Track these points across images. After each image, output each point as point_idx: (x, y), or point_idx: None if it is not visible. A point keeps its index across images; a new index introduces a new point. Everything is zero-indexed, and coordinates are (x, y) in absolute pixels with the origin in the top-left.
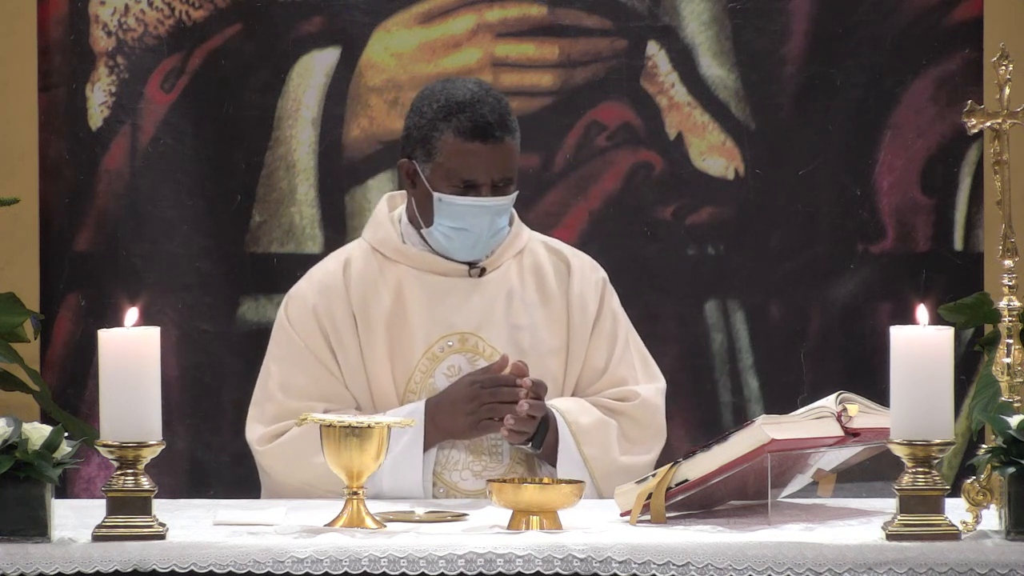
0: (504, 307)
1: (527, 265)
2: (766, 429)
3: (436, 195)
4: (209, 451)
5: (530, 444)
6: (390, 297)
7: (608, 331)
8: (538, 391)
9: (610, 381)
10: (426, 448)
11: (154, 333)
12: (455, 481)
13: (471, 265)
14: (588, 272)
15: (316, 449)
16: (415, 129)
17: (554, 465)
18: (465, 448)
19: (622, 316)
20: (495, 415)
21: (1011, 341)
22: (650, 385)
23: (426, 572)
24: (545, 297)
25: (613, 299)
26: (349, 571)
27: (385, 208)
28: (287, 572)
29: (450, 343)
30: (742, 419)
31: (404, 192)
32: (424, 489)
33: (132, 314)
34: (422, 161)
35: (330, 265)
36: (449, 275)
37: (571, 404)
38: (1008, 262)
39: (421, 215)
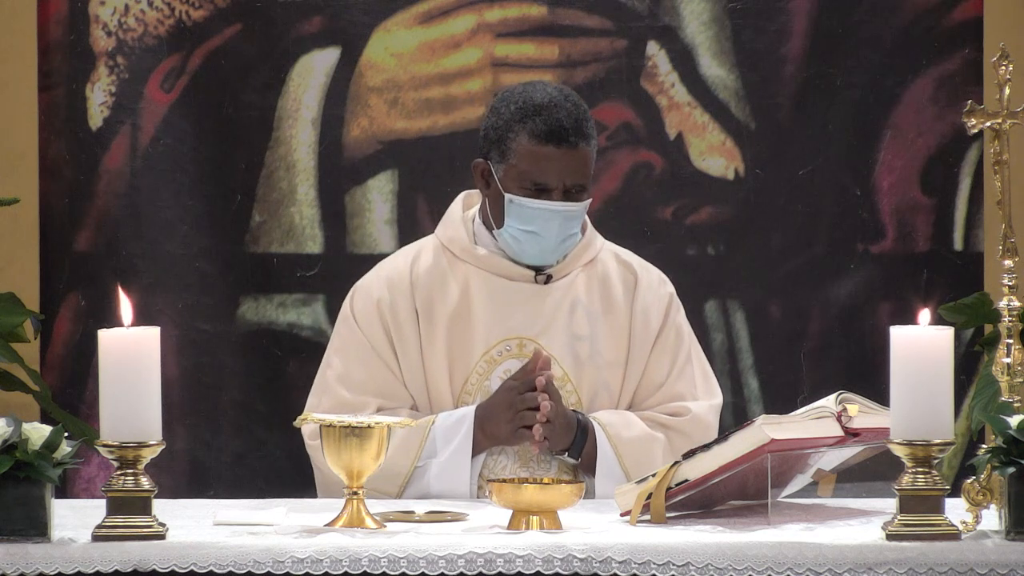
0: (567, 316)
1: (595, 275)
2: (766, 429)
3: (507, 196)
4: (209, 451)
5: (567, 454)
6: (456, 295)
7: (670, 346)
8: (548, 390)
9: (667, 395)
10: (475, 454)
11: (154, 333)
12: None
13: (538, 271)
14: (655, 286)
15: None
16: (491, 130)
17: (593, 476)
18: (514, 455)
19: (687, 331)
20: (527, 422)
21: (1011, 341)
22: (704, 402)
23: (426, 572)
24: (609, 309)
25: (679, 314)
26: (349, 571)
27: (459, 207)
28: (287, 572)
29: (508, 347)
30: (742, 419)
31: (480, 191)
32: (471, 494)
33: (125, 305)
34: (496, 162)
35: (398, 260)
36: (515, 280)
37: (615, 417)
38: (1008, 262)
39: (493, 216)
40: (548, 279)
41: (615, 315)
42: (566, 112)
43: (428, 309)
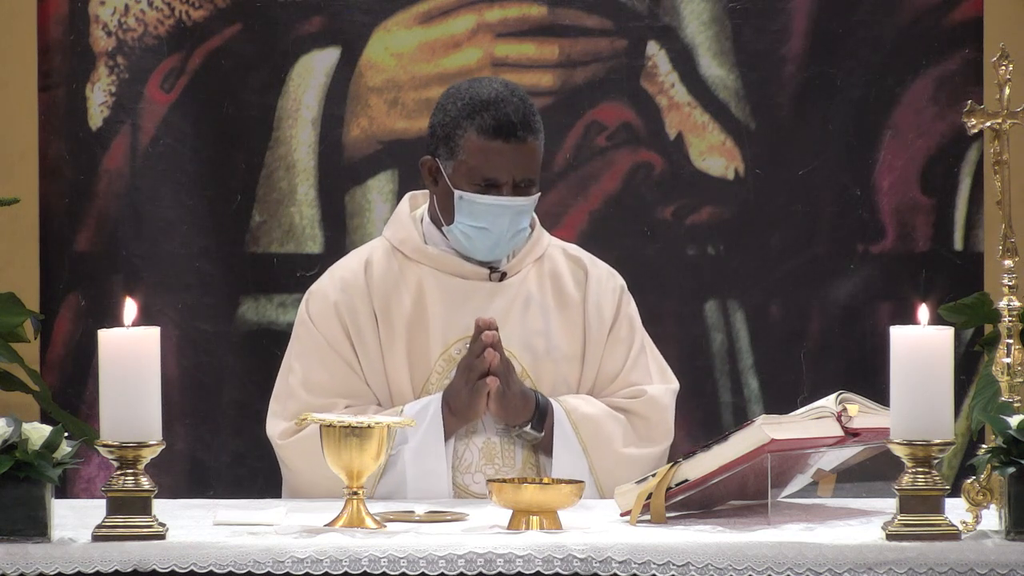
0: (521, 312)
1: (546, 271)
2: (766, 429)
3: (457, 193)
4: (209, 451)
5: (529, 426)
6: (410, 298)
7: (624, 338)
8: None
9: (623, 384)
10: (446, 437)
11: (154, 333)
12: (467, 483)
13: (492, 269)
14: (605, 279)
15: None
16: (439, 127)
17: (550, 455)
18: (479, 451)
19: (638, 323)
20: (479, 370)
21: (1011, 341)
22: (661, 385)
23: (426, 572)
24: (562, 303)
25: (630, 306)
26: (349, 571)
27: (407, 207)
28: (287, 572)
29: (467, 345)
30: (742, 419)
31: (426, 192)
32: (448, 482)
33: (130, 306)
34: (445, 159)
35: (352, 263)
36: (469, 278)
37: (574, 398)
38: (1008, 262)
39: (442, 213)
40: (503, 277)
41: (568, 309)
42: (513, 107)
43: (386, 313)
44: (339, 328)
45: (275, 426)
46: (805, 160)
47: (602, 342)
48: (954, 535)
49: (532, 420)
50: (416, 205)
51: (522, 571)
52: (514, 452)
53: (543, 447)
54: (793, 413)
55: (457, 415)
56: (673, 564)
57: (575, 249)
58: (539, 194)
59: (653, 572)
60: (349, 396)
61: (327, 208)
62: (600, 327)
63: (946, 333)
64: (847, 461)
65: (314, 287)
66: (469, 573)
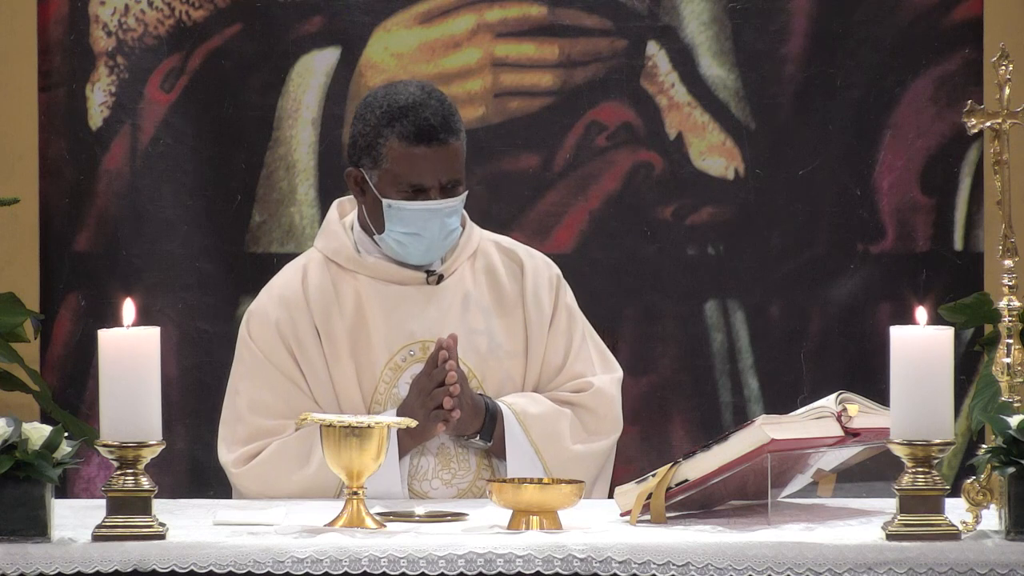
0: (460, 312)
1: (480, 267)
2: (766, 429)
3: (386, 202)
4: (209, 451)
5: (479, 437)
6: (349, 309)
7: (564, 328)
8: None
9: (568, 376)
10: (401, 454)
11: (154, 333)
12: (425, 490)
13: (428, 273)
14: (541, 270)
15: (292, 467)
16: (360, 137)
17: (503, 459)
18: (435, 458)
19: (577, 311)
20: (437, 401)
21: (1011, 341)
22: (606, 376)
23: (426, 572)
24: (500, 299)
25: (567, 295)
26: (349, 571)
27: (335, 215)
28: (287, 572)
29: (412, 352)
30: (742, 419)
31: (353, 198)
32: (404, 497)
33: (128, 306)
34: (369, 168)
35: (288, 277)
36: (406, 283)
37: (520, 398)
38: (1008, 262)
39: (372, 222)
40: (440, 279)
41: (508, 305)
42: (432, 110)
43: (327, 327)
44: (281, 347)
45: (226, 453)
46: (805, 160)
47: (543, 334)
48: (954, 535)
49: (482, 429)
50: (344, 212)
51: (522, 571)
52: (468, 457)
53: (495, 452)
54: (793, 413)
55: (412, 436)
56: (673, 564)
57: (508, 242)
58: (466, 193)
59: (653, 572)
60: (297, 416)
61: (327, 208)
62: (540, 320)
63: (946, 333)
64: (847, 461)
65: (253, 306)
66: (469, 573)
